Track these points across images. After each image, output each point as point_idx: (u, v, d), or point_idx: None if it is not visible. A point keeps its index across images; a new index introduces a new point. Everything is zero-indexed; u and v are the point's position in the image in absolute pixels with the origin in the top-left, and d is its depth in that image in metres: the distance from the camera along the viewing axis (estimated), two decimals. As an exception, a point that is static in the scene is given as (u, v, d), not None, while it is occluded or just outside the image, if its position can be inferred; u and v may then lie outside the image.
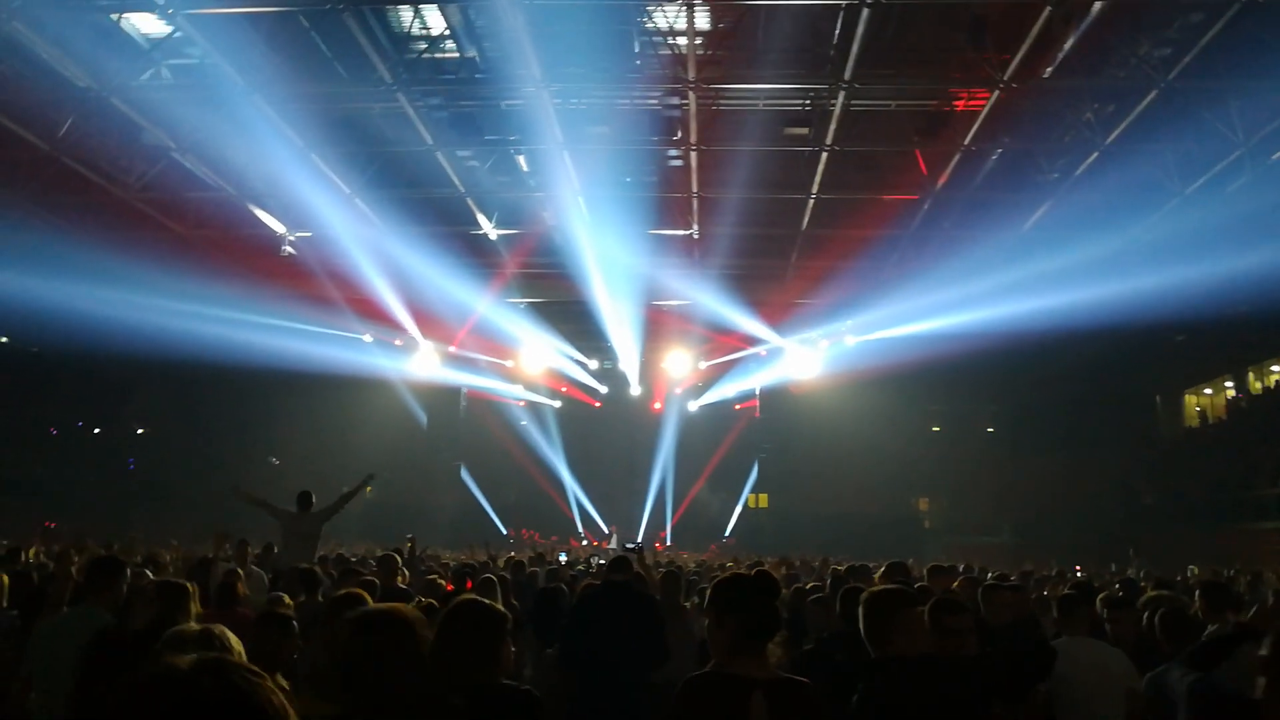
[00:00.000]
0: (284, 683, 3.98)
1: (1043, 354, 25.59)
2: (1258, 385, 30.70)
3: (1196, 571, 14.92)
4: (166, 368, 28.01)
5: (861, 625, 3.38)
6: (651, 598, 6.43)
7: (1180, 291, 17.79)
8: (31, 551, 12.25)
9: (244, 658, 2.56)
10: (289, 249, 19.93)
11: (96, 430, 32.45)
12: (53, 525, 19.46)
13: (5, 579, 6.07)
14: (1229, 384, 32.27)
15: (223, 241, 19.72)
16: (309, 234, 19.51)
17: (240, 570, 7.68)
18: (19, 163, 16.19)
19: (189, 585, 4.76)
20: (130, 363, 27.28)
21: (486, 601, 3.21)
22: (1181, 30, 13.00)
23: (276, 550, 10.53)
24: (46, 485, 26.80)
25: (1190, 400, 34.31)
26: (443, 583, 7.93)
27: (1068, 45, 13.00)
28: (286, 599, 6.12)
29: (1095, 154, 15.65)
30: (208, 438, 31.08)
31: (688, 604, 7.35)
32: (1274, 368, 30.23)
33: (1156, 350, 25.57)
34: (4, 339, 27.67)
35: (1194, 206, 16.76)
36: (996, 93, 13.69)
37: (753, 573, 3.24)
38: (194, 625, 2.73)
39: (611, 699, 5.61)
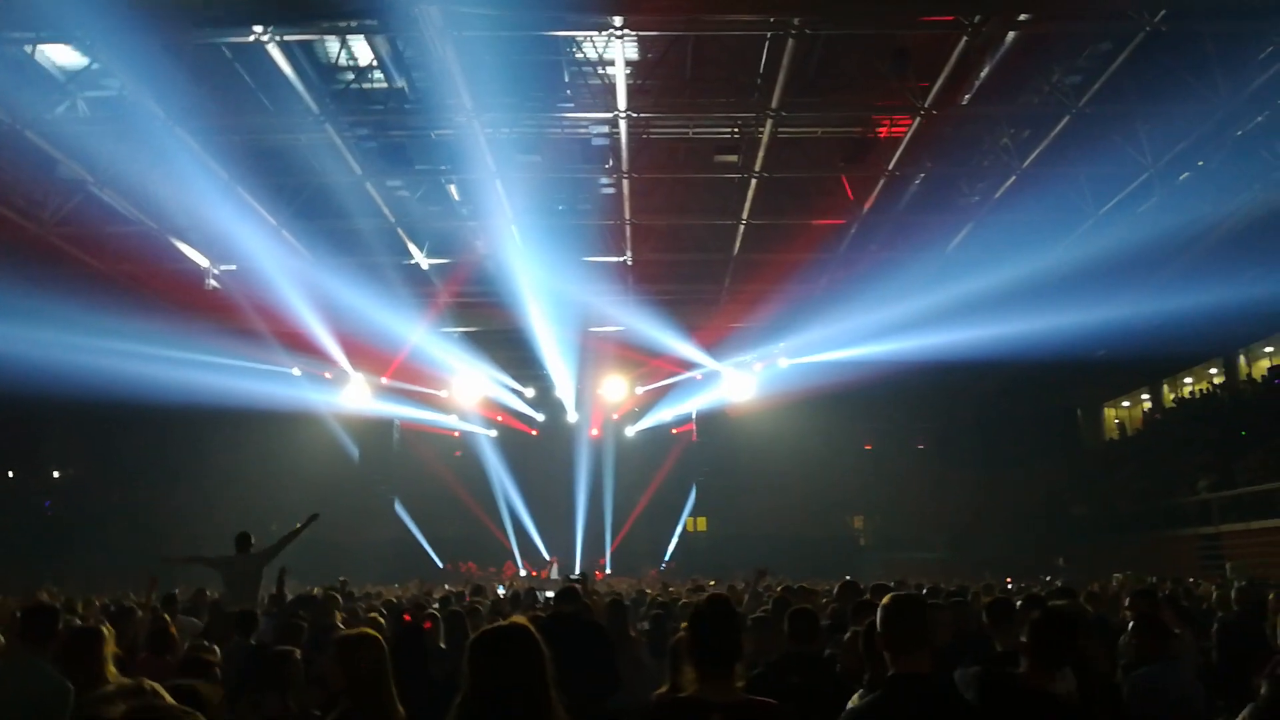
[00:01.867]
0: None
1: (969, 372, 26.29)
2: (1171, 397, 31.96)
3: (1122, 579, 15.40)
4: (85, 407, 27.03)
5: (882, 633, 3.16)
6: (601, 626, 6.42)
7: (1098, 308, 18.49)
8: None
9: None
10: (213, 283, 19.48)
11: (10, 473, 31.08)
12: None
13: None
14: (1145, 396, 33.52)
15: (144, 276, 19.17)
16: (234, 267, 19.10)
17: (166, 616, 7.43)
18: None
19: (104, 631, 4.55)
20: (46, 402, 26.28)
21: (520, 622, 3.02)
22: (1091, 59, 13.60)
23: (217, 595, 10.21)
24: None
25: (1110, 413, 35.55)
26: (379, 619, 7.77)
27: (984, 73, 13.49)
28: (209, 645, 5.87)
29: (1013, 177, 16.22)
30: (130, 479, 30.01)
31: (634, 632, 7.34)
32: (1186, 380, 31.54)
33: (1077, 366, 26.43)
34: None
35: (1108, 226, 17.46)
36: (918, 119, 14.11)
37: (704, 599, 3.29)
38: (121, 679, 2.60)
39: None
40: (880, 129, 15.51)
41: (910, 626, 3.09)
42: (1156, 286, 18.41)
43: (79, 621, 7.00)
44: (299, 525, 10.26)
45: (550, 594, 13.41)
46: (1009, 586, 15.02)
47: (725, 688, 2.99)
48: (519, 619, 2.69)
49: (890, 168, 15.79)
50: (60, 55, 13.23)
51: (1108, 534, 25.22)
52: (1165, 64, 13.40)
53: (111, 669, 4.33)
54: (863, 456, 32.88)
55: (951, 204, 18.38)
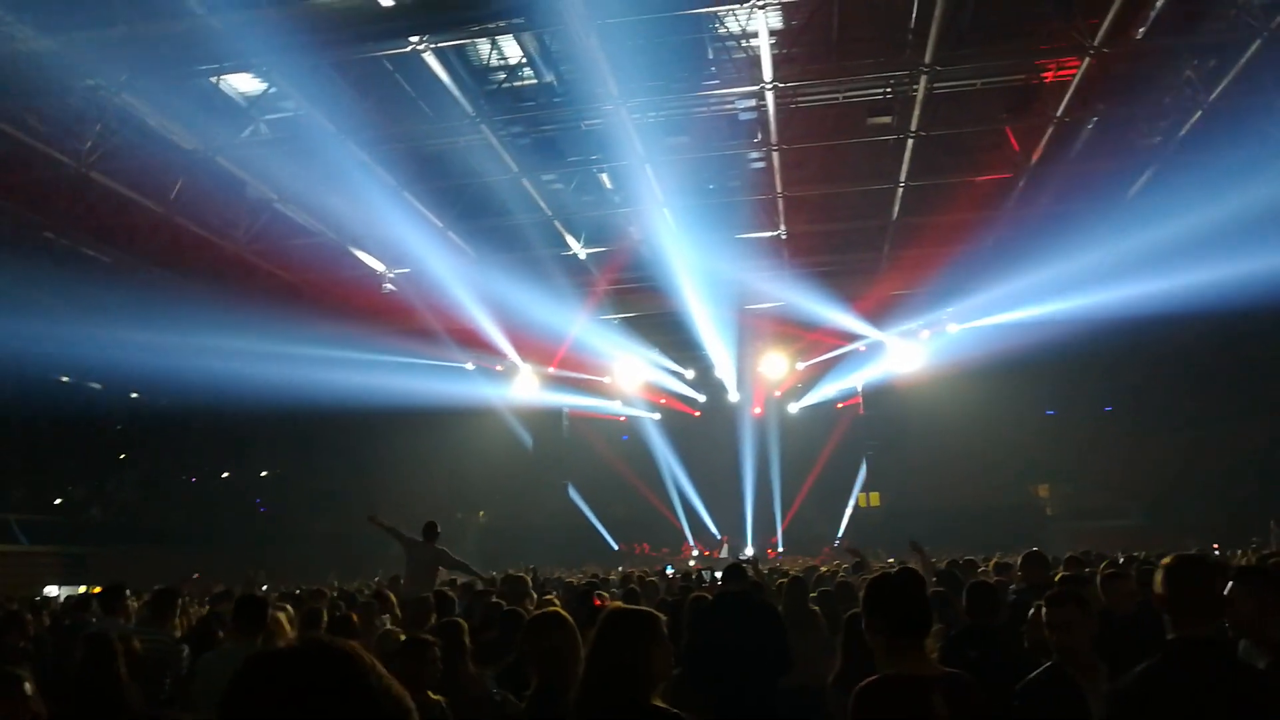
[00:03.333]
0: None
1: (1161, 327, 24.42)
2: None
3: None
4: (284, 411, 29.27)
5: (1159, 597, 2.92)
6: (769, 606, 6.34)
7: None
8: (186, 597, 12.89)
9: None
10: (389, 286, 20.61)
11: (225, 475, 34.00)
12: (197, 576, 20.39)
13: (179, 618, 6.47)
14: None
15: (327, 285, 20.50)
16: (407, 270, 20.13)
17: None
18: (136, 227, 17.18)
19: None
20: (251, 408, 28.63)
21: (635, 607, 3.11)
22: (1284, -28, 12.31)
23: (402, 580, 10.86)
24: (184, 532, 28.19)
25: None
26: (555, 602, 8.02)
27: (1160, 2, 12.48)
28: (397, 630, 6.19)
29: (1199, 112, 14.92)
30: (326, 476, 32.25)
31: (815, 609, 7.27)
32: None
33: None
34: (135, 394, 29.34)
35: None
36: (1087, 60, 13.19)
37: (895, 570, 3.23)
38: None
39: (743, 713, 5.54)
40: (1045, 74, 14.62)
41: (1196, 588, 2.83)
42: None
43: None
44: (480, 574, 10.75)
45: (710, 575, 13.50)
46: (1215, 552, 13.97)
47: (927, 661, 2.94)
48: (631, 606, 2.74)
49: (1059, 114, 14.85)
50: (241, 83, 14.31)
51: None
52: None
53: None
54: (1045, 422, 31.27)
55: (1129, 148, 17.11)
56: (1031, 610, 4.52)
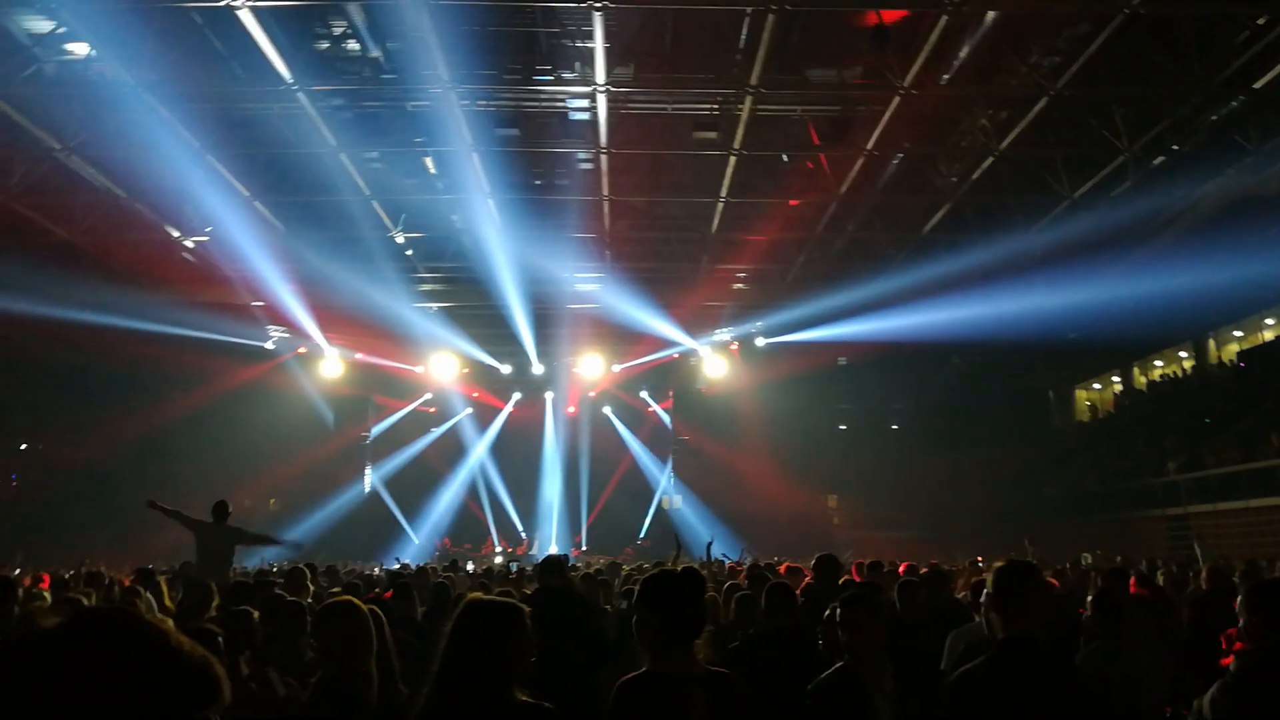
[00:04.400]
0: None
1: (944, 352, 26.52)
2: (1142, 380, 32.31)
3: (1090, 559, 15.61)
4: (54, 377, 26.70)
5: (991, 598, 3.15)
6: (586, 600, 6.37)
7: (1071, 291, 18.62)
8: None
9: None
10: (186, 255, 19.23)
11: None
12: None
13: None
14: (1116, 379, 33.87)
15: (114, 247, 18.86)
16: (207, 238, 18.84)
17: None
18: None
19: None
20: (13, 373, 25.94)
21: (497, 598, 2.99)
22: (1069, 40, 13.59)
23: (191, 563, 10.16)
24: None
25: (1081, 395, 35.89)
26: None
27: (963, 53, 13.47)
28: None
29: (991, 158, 16.24)
30: (96, 450, 29.61)
31: (608, 606, 7.34)
32: (1156, 363, 31.89)
33: (1049, 347, 26.65)
34: None
35: (1082, 210, 17.55)
36: (897, 99, 14.07)
37: (679, 570, 3.25)
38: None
39: (568, 706, 5.48)
40: (859, 108, 15.47)
41: (1022, 589, 3.08)
42: (1128, 270, 18.55)
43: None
44: (281, 541, 10.26)
45: (517, 567, 13.42)
46: (979, 564, 15.18)
47: (692, 661, 2.93)
48: (489, 596, 2.65)
49: (869, 147, 15.76)
50: (27, 20, 12.92)
51: (1078, 514, 25.51)
52: (1142, 47, 13.44)
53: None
54: (837, 436, 33.05)
55: (929, 185, 18.40)
56: (827, 612, 4.70)
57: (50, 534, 24.64)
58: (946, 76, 14.07)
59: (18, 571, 14.10)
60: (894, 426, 33.90)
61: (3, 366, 25.49)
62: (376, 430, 31.50)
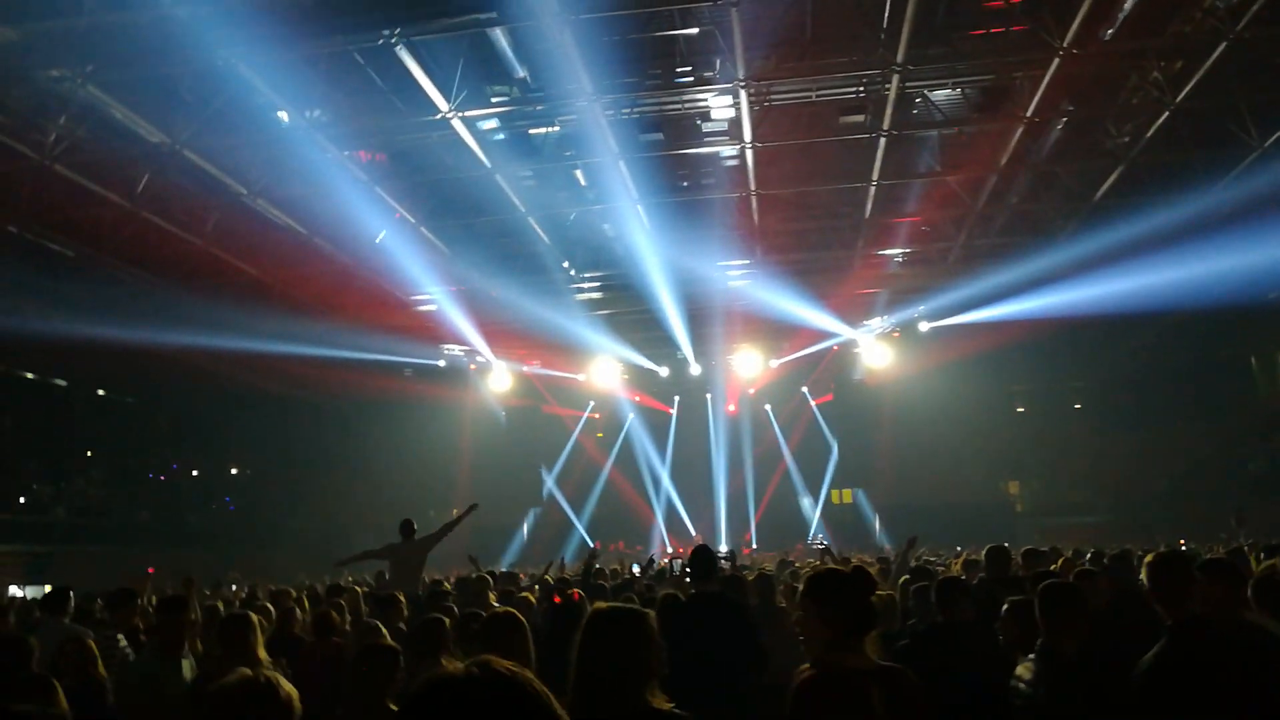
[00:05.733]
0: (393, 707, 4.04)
1: (1125, 325, 24.77)
2: (1361, 339, 29.22)
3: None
4: (257, 407, 29.01)
5: (1151, 588, 3.50)
6: (741, 604, 6.18)
7: (1270, 247, 17.09)
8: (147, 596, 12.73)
9: (295, 700, 2.47)
10: (363, 284, 20.45)
11: (195, 472, 33.61)
12: (152, 571, 20.14)
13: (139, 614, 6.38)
14: (1329, 340, 30.75)
15: (297, 280, 20.28)
16: (382, 265, 19.97)
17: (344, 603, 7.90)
18: (101, 220, 16.90)
19: (252, 618, 4.73)
20: (225, 401, 28.34)
21: (625, 605, 2.99)
22: (1248, -24, 12.47)
23: (386, 578, 10.78)
24: (151, 530, 27.80)
25: (1289, 360, 32.80)
26: (530, 599, 7.98)
27: (1128, 4, 12.61)
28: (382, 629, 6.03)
29: (1166, 114, 15.10)
30: (297, 473, 31.94)
31: (785, 603, 7.28)
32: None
33: (1250, 310, 24.50)
34: (101, 391, 28.94)
35: (1274, 159, 16.06)
36: (1056, 61, 13.31)
37: (849, 568, 3.24)
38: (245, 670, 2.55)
39: (716, 713, 5.42)
40: (1016, 75, 14.74)
41: (1177, 578, 3.41)
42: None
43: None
44: (458, 514, 10.68)
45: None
46: (1183, 548, 14.19)
47: (865, 657, 2.92)
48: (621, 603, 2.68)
49: (1028, 114, 14.98)
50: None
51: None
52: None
53: (262, 652, 4.61)
54: (1015, 419, 31.64)
55: (1097, 148, 17.31)
56: (1005, 608, 4.52)
57: (266, 551, 26.78)
58: (1110, 31, 13.19)
59: (233, 588, 15.40)
60: (1077, 406, 32.09)
61: (215, 397, 27.89)
62: (544, 438, 32.41)
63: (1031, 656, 3.71)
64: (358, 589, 9.98)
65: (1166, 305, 19.38)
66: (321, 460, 31.46)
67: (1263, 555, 8.28)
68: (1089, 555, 10.16)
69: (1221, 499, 21.62)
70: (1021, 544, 12.07)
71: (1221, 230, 17.23)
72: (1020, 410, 32.20)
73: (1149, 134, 15.83)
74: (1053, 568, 7.52)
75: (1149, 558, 3.60)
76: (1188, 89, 14.29)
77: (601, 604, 2.95)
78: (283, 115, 14.16)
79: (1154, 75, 14.81)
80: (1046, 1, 12.55)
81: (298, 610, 7.59)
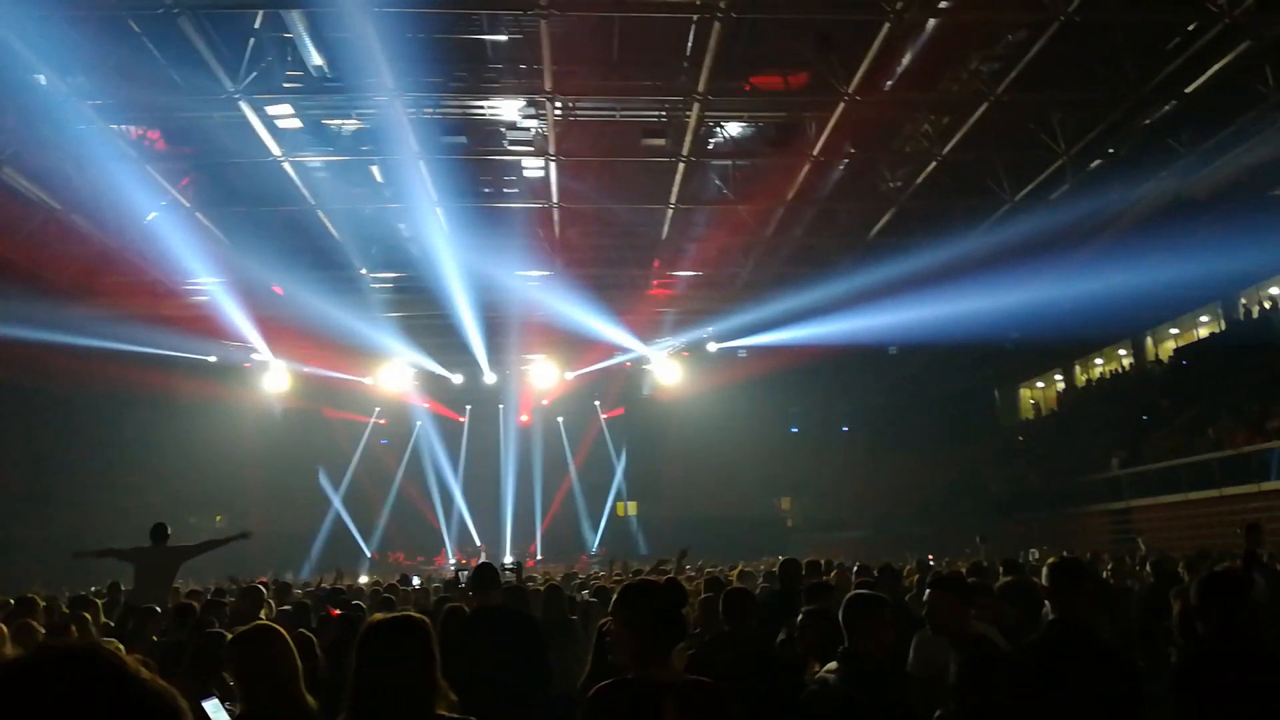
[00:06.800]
0: None
1: (890, 355, 26.89)
2: (1083, 378, 33.11)
3: (1038, 555, 15.91)
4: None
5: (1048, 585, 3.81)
6: (528, 617, 6.13)
7: (1013, 292, 19.00)
8: None
9: None
10: (126, 268, 18.75)
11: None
12: None
13: None
14: (1058, 377, 34.66)
15: (50, 261, 18.30)
16: (150, 250, 18.39)
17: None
18: None
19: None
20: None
21: (399, 614, 2.89)
22: (1008, 47, 13.89)
23: (127, 587, 9.80)
24: None
25: (1025, 393, 36.67)
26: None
27: (906, 60, 13.69)
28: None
29: (933, 164, 16.52)
30: (31, 471, 28.72)
31: (573, 616, 7.26)
32: (1097, 361, 32.70)
33: (993, 348, 27.19)
34: None
35: (1022, 213, 17.94)
36: (841, 105, 14.24)
37: (663, 580, 3.24)
38: None
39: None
40: (805, 114, 15.64)
41: (1071, 578, 3.75)
42: (1068, 271, 19.00)
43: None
44: (227, 536, 9.92)
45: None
46: (931, 563, 15.41)
47: (669, 669, 2.92)
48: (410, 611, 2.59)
49: (814, 153, 15.93)
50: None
51: (1024, 511, 26.04)
52: (1078, 54, 13.78)
53: None
54: (790, 440, 33.34)
55: (874, 189, 18.66)
56: (800, 617, 4.70)
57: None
58: (890, 83, 14.28)
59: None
60: (844, 428, 34.29)
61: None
62: (324, 443, 30.92)
63: (832, 664, 3.83)
64: (98, 601, 9.04)
65: (926, 339, 21.13)
66: (78, 461, 28.45)
67: (1001, 569, 9.15)
68: (855, 568, 10.83)
69: (968, 519, 23.81)
70: (792, 556, 12.71)
71: (974, 274, 19.02)
72: (794, 431, 34.01)
73: (918, 180, 17.26)
74: (826, 578, 8.04)
75: (1050, 560, 4.06)
76: (953, 142, 15.72)
77: (379, 615, 2.85)
78: (40, 78, 12.75)
79: (925, 127, 16.18)
80: (836, 49, 13.40)
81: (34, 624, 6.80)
